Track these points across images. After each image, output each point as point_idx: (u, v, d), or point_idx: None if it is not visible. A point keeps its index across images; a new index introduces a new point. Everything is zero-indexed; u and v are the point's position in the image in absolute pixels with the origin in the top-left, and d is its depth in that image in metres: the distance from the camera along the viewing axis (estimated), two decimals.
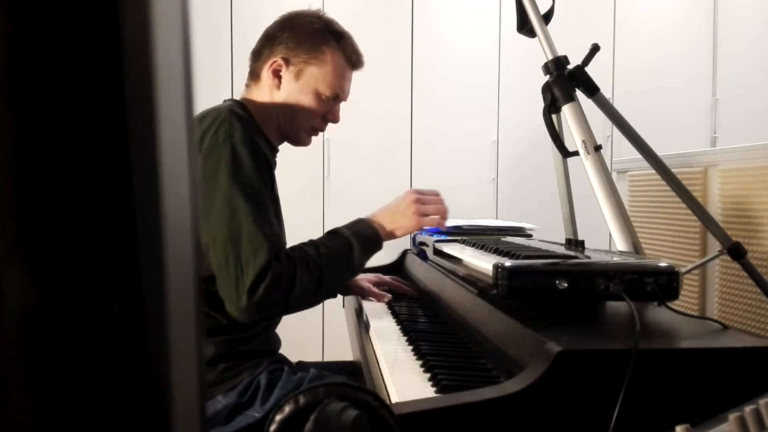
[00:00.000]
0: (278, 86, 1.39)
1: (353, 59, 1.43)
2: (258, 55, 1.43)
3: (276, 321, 1.46)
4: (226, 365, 1.28)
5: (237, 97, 1.47)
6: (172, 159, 0.25)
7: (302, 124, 1.41)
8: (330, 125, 1.47)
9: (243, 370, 1.29)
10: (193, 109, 0.28)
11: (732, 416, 0.53)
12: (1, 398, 0.23)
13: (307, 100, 1.38)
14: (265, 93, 1.40)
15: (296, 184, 3.52)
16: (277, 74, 1.39)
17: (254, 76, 1.43)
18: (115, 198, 0.24)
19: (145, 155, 0.24)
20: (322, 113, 1.42)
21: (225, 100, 1.44)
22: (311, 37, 1.39)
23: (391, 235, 1.35)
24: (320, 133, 1.50)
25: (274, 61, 1.38)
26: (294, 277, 1.20)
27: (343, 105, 1.46)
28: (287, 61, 1.38)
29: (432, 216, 1.36)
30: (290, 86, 1.38)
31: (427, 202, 1.36)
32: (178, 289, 0.26)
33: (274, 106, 1.39)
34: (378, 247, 1.35)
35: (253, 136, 1.27)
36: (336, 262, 1.27)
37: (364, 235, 1.32)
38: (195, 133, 0.28)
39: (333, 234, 1.32)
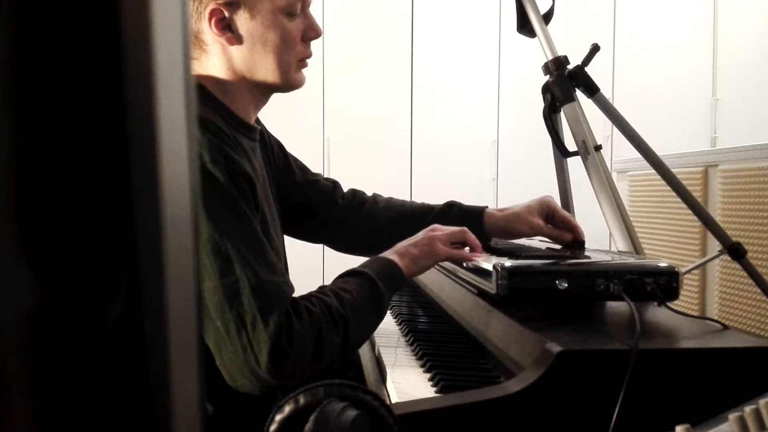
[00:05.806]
0: (233, 40, 1.06)
1: None
2: None
3: None
4: None
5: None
6: (172, 158, 0.25)
7: (286, 62, 1.09)
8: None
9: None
10: (194, 109, 0.28)
11: (732, 416, 0.53)
12: (2, 398, 0.23)
13: (276, 31, 1.07)
14: (219, 60, 1.08)
15: None
16: (224, 26, 1.05)
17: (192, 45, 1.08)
18: (114, 197, 0.24)
19: (144, 154, 0.24)
20: (300, 34, 1.10)
21: None
22: None
23: (414, 266, 1.11)
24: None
25: (212, 12, 1.04)
26: (320, 338, 0.95)
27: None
28: (230, 4, 1.04)
29: (456, 245, 1.13)
30: (250, 30, 1.06)
31: (443, 229, 1.14)
32: (178, 286, 0.26)
33: (241, 68, 1.08)
34: (401, 282, 1.10)
35: (225, 145, 0.99)
36: (364, 311, 1.02)
37: (387, 271, 1.07)
38: None
39: (352, 276, 1.06)
